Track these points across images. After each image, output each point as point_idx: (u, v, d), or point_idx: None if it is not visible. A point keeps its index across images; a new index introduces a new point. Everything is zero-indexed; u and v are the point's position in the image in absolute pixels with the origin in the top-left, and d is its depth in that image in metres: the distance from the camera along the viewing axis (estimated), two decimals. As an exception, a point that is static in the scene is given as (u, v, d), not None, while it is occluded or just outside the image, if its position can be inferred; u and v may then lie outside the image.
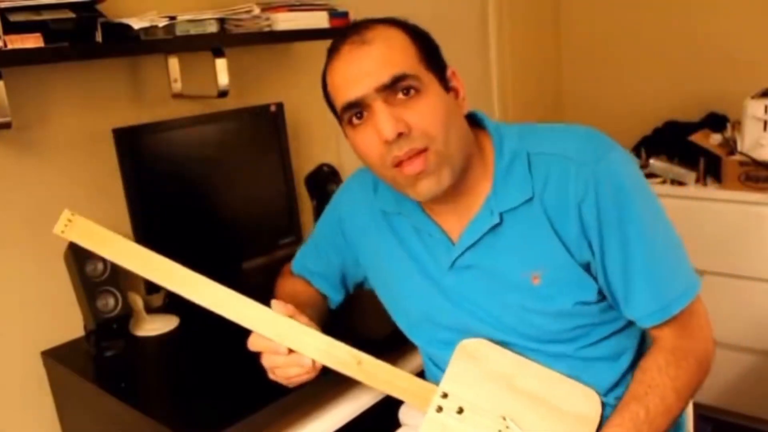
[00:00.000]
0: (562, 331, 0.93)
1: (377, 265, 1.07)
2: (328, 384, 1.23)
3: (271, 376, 0.94)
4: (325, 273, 1.15)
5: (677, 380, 0.92)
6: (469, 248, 0.95)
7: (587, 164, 0.88)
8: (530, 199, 0.91)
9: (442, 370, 0.99)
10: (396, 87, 0.86)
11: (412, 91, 0.87)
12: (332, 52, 0.91)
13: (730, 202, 2.01)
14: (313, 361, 0.90)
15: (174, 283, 0.90)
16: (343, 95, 0.88)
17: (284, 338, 0.89)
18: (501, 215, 0.93)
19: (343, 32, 0.92)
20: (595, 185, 0.87)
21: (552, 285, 0.91)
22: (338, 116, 0.93)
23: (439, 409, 0.93)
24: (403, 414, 1.20)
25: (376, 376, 0.92)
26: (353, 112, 0.89)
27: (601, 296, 0.93)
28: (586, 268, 0.91)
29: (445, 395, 0.93)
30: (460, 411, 0.92)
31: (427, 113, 0.87)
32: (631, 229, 0.89)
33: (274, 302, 0.91)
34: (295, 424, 1.19)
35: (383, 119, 0.85)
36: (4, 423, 1.36)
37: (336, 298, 1.17)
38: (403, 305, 1.05)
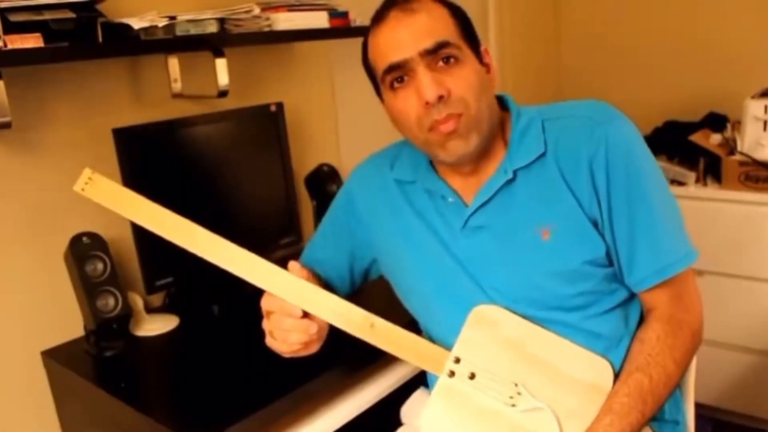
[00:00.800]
0: (567, 297, 0.95)
1: (389, 239, 1.08)
2: (329, 383, 1.24)
3: (269, 339, 0.94)
4: (333, 260, 1.15)
5: (675, 349, 0.94)
6: (481, 207, 0.98)
7: (601, 123, 0.94)
8: (543, 155, 0.96)
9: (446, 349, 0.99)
10: (438, 53, 0.91)
11: (452, 60, 0.92)
12: (377, 19, 0.96)
13: (730, 202, 2.01)
14: (314, 333, 0.91)
15: (193, 244, 0.91)
16: (387, 57, 0.93)
17: (300, 299, 0.90)
18: (515, 172, 0.97)
19: (388, 1, 0.97)
20: (606, 143, 0.92)
21: (562, 240, 0.94)
22: (377, 83, 0.99)
23: (452, 373, 0.94)
24: (405, 412, 1.20)
25: (388, 339, 0.93)
26: (395, 75, 0.94)
27: (608, 260, 0.96)
28: (595, 225, 0.94)
29: (457, 360, 0.94)
30: (472, 376, 0.93)
31: (464, 81, 0.92)
32: (638, 189, 0.93)
33: (291, 264, 0.93)
34: (296, 423, 1.19)
35: (426, 82, 0.91)
36: (4, 423, 1.36)
37: (342, 288, 1.17)
38: (414, 275, 1.05)
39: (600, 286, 0.96)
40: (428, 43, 0.91)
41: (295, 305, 0.90)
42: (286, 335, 0.92)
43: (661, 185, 0.97)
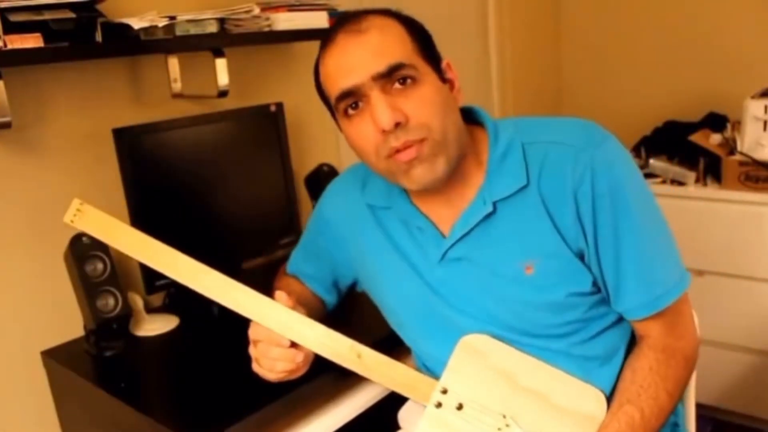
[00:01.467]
0: (554, 326, 0.92)
1: (366, 264, 1.06)
2: (327, 384, 1.24)
3: (255, 366, 0.93)
4: (317, 275, 1.15)
5: (668, 380, 0.92)
6: (460, 239, 0.94)
7: (585, 150, 0.88)
8: (525, 187, 0.90)
9: (433, 372, 0.98)
10: (392, 76, 0.85)
11: (409, 81, 0.86)
12: (326, 42, 0.90)
13: (730, 202, 2.01)
14: (300, 361, 0.90)
15: (180, 274, 0.90)
16: (338, 84, 0.87)
17: (286, 330, 0.89)
18: (495, 204, 0.92)
19: (337, 22, 0.91)
20: (592, 171, 0.87)
21: (545, 275, 0.90)
22: (331, 108, 0.93)
23: (439, 404, 0.92)
24: (403, 417, 1.20)
25: (375, 370, 0.92)
26: (348, 101, 0.88)
27: (595, 288, 0.92)
28: (581, 257, 0.91)
29: (444, 391, 0.93)
30: (460, 407, 0.92)
31: (424, 103, 0.86)
32: (625, 218, 0.88)
33: (277, 293, 0.91)
34: (295, 424, 1.19)
35: (381, 108, 0.84)
36: (4, 423, 1.36)
37: (329, 300, 1.16)
38: (393, 304, 1.04)
39: (588, 314, 0.93)
40: (380, 66, 0.84)
41: (282, 335, 0.89)
42: (273, 364, 0.90)
43: (651, 210, 0.92)
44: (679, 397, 0.94)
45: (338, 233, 1.09)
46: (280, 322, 0.89)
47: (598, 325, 0.95)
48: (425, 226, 0.97)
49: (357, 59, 0.86)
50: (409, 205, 0.99)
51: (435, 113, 0.87)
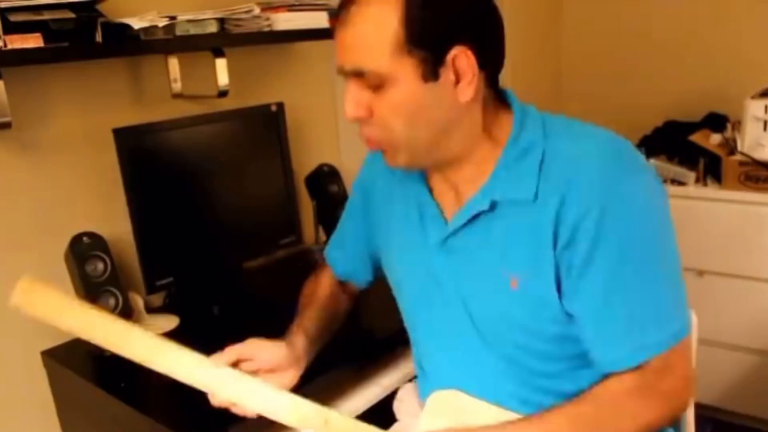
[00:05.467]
0: (537, 343, 0.89)
1: (386, 236, 1.06)
2: (327, 385, 1.23)
3: None
4: (353, 250, 1.14)
5: (638, 417, 0.84)
6: (460, 229, 0.91)
7: (605, 179, 0.82)
8: (532, 200, 0.85)
9: (428, 375, 0.98)
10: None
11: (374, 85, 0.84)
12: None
13: (730, 202, 2.01)
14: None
15: (136, 352, 0.91)
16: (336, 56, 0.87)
17: (247, 400, 0.90)
18: (494, 203, 0.88)
19: None
20: (606, 203, 0.81)
21: (527, 295, 0.86)
22: None
23: None
24: (398, 408, 1.19)
25: None
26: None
27: (568, 316, 0.87)
28: (558, 287, 0.85)
29: None
30: None
31: (389, 107, 0.84)
32: (627, 260, 0.82)
33: (215, 355, 0.93)
34: (295, 424, 1.19)
35: (347, 99, 0.86)
36: (5, 423, 1.36)
37: (362, 278, 1.16)
38: (401, 281, 1.04)
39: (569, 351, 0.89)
40: (347, 67, 0.84)
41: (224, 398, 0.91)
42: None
43: (661, 254, 0.85)
44: None
45: (371, 199, 1.09)
46: (246, 393, 0.90)
47: (577, 361, 0.90)
48: (431, 208, 0.96)
49: (339, 47, 0.85)
50: (422, 185, 0.97)
51: (401, 118, 0.84)
